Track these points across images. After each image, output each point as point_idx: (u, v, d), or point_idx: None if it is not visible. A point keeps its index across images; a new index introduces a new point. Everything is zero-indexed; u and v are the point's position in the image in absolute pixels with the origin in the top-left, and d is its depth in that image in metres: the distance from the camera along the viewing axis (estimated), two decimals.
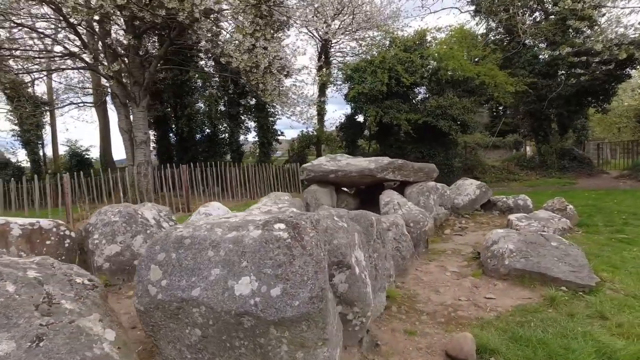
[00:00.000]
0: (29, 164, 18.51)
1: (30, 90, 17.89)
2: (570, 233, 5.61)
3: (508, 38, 14.33)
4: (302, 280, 1.21)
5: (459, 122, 11.90)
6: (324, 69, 17.86)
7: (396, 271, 3.97)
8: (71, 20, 6.94)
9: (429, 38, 13.45)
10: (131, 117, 9.69)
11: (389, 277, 3.52)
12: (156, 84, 16.43)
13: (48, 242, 2.73)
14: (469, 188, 7.44)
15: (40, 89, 19.35)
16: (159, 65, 12.97)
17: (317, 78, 17.26)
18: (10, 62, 12.95)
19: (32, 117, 17.16)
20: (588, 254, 4.32)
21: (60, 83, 17.88)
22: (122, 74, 9.40)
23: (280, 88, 11.93)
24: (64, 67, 11.58)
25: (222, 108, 18.36)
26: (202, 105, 17.73)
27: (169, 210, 3.80)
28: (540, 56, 13.83)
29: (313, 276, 1.23)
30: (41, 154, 18.92)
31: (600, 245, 4.88)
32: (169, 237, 1.32)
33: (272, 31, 10.23)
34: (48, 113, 18.87)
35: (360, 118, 15.61)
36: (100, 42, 8.78)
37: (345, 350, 2.44)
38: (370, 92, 12.40)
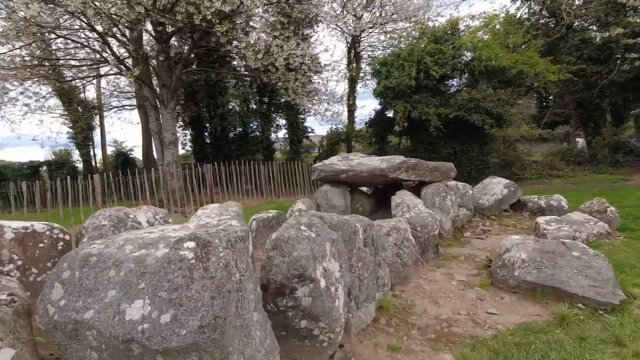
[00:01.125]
0: (81, 164, 20.20)
1: (82, 95, 19.50)
2: (609, 239, 5.00)
3: (552, 22, 13.12)
4: (195, 306, 1.12)
5: (493, 116, 11.10)
6: (353, 64, 17.62)
7: (396, 279, 3.77)
8: (97, 28, 7.39)
9: (461, 27, 12.67)
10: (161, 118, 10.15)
11: (383, 286, 3.34)
12: (191, 85, 17.15)
13: (41, 245, 2.87)
14: (495, 187, 6.92)
15: (90, 94, 20.83)
16: (192, 67, 13.48)
17: (346, 73, 17.05)
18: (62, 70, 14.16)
19: (82, 120, 18.71)
20: (623, 264, 3.83)
21: (104, 88, 19.19)
22: (152, 78, 9.85)
23: (303, 87, 11.82)
24: (98, 74, 12.37)
25: (254, 106, 18.76)
26: (234, 104, 18.22)
27: (166, 212, 3.89)
28: (598, 38, 12.42)
29: (208, 302, 1.13)
30: (92, 154, 20.58)
31: None
32: (78, 253, 1.30)
33: (294, 29, 10.15)
34: (97, 116, 20.39)
35: (390, 113, 15.15)
36: (126, 48, 9.25)
37: None
38: (398, 87, 11.95)
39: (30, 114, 14.53)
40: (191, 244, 1.27)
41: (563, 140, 25.73)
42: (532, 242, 3.78)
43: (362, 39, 17.55)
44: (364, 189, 7.31)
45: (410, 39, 13.30)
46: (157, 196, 10.15)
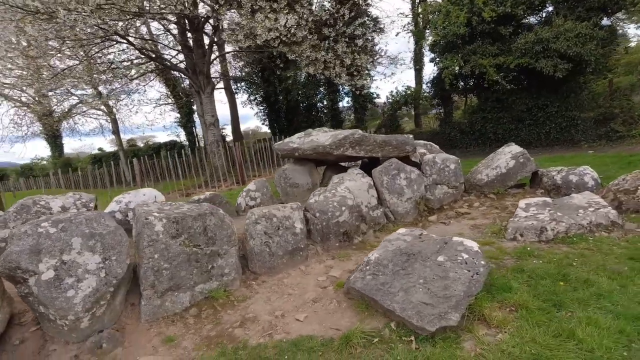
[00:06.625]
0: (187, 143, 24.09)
1: (182, 85, 22.87)
2: (607, 232, 3.59)
3: None
4: None
5: (570, 59, 8.43)
6: (419, 17, 15.51)
7: (262, 269, 3.63)
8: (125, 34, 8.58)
9: None
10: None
11: (221, 276, 3.29)
12: (259, 63, 18.12)
13: None
14: (501, 159, 5.53)
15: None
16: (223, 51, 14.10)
17: (409, 27, 15.25)
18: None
19: (184, 106, 22.05)
20: (553, 275, 2.78)
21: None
22: (195, 66, 10.91)
23: (362, 50, 10.97)
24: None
25: (319, 76, 18.68)
26: (300, 77, 18.50)
27: (93, 197, 4.53)
28: None
29: None
30: (194, 134, 24.24)
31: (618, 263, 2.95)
32: None
33: None
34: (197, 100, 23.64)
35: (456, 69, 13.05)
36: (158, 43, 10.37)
37: (67, 346, 2.60)
38: (445, 38, 10.17)
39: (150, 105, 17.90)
40: None
41: None
42: (408, 239, 3.07)
43: None
44: (346, 164, 6.84)
45: None
46: (207, 173, 11.52)
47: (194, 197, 5.15)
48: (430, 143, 6.18)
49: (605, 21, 8.99)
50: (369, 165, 6.07)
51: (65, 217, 2.62)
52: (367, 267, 2.82)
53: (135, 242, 3.02)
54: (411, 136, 5.12)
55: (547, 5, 9.37)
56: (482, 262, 2.61)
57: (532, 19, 10.14)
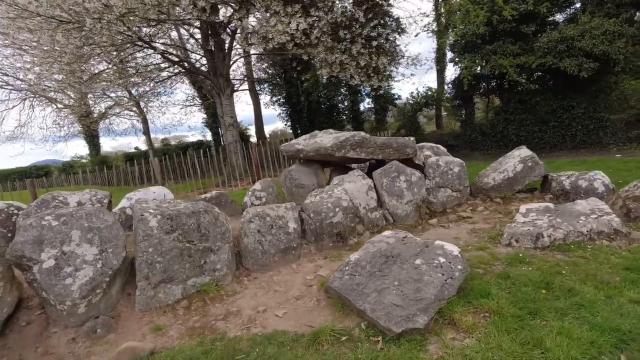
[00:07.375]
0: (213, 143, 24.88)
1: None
2: (610, 240, 3.43)
3: None
4: None
5: (596, 57, 8.00)
6: (442, 17, 15.19)
7: (255, 266, 3.76)
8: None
9: None
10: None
11: (213, 271, 3.46)
12: (282, 66, 18.41)
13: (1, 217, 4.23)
14: (509, 162, 5.37)
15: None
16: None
17: (431, 26, 14.99)
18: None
19: (210, 107, 22.80)
20: (536, 281, 2.72)
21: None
22: (216, 70, 11.30)
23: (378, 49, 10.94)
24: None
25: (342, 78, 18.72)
26: (321, 78, 18.62)
27: (108, 194, 4.85)
28: None
29: None
30: (220, 134, 24.94)
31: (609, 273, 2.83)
32: None
33: None
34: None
35: (477, 69, 12.68)
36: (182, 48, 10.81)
37: (66, 329, 2.84)
38: (464, 38, 9.93)
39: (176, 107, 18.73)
40: None
41: None
42: (390, 241, 3.10)
43: None
44: (355, 165, 6.86)
45: None
46: (225, 172, 11.90)
47: (200, 196, 5.39)
48: (437, 145, 6.10)
49: (638, 16, 8.43)
50: (375, 167, 6.08)
51: (67, 212, 2.86)
52: (347, 268, 2.88)
53: (133, 236, 3.24)
54: (412, 138, 5.09)
55: (574, 1, 8.93)
56: (460, 267, 2.60)
57: (558, 17, 9.70)
